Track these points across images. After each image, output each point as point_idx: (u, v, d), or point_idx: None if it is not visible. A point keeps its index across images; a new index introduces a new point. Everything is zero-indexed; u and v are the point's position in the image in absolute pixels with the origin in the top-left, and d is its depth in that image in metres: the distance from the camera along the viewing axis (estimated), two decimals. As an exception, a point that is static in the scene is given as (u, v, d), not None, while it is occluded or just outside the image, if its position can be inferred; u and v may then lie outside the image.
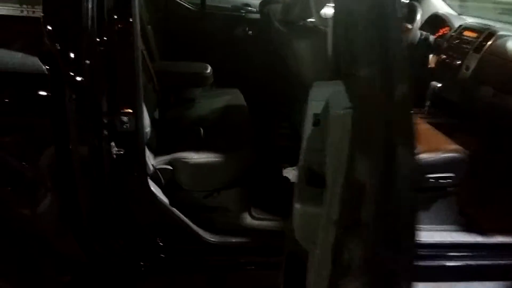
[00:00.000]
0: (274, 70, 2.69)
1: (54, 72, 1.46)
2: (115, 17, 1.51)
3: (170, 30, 3.00)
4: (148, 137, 1.79)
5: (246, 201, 2.08)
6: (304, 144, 1.31)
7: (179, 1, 3.13)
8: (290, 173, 2.46)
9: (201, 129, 2.19)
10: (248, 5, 3.56)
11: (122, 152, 1.62)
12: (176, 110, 2.48)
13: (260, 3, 2.98)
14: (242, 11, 3.33)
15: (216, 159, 1.93)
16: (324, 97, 1.30)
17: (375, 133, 0.97)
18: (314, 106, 1.35)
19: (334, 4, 1.56)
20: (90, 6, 1.44)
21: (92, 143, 1.59)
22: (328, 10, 1.76)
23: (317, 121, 1.29)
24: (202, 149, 1.98)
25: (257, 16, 3.15)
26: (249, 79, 2.90)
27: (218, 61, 2.76)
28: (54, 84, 1.46)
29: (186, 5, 3.15)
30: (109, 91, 1.58)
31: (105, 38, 1.50)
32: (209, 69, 2.41)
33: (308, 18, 1.99)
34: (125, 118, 1.61)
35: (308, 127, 1.32)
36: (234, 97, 2.63)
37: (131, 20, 1.51)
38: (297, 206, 1.12)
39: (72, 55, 1.46)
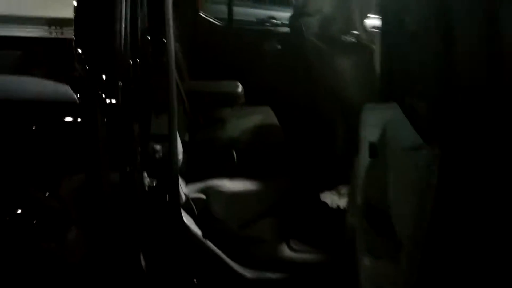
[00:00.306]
0: (308, 87, 2.55)
1: (85, 99, 1.35)
2: (149, 38, 1.40)
3: (198, 48, 2.88)
4: (180, 163, 1.67)
5: (284, 231, 1.93)
6: (358, 176, 1.17)
7: (207, 17, 3.02)
8: (328, 198, 2.32)
9: (234, 152, 2.06)
10: (273, 18, 3.46)
11: (155, 184, 1.50)
12: (206, 131, 2.35)
13: (291, 17, 2.85)
14: (268, 24, 3.21)
15: (252, 187, 1.80)
16: (380, 123, 1.17)
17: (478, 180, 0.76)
18: (369, 133, 1.21)
19: (382, 14, 1.42)
20: (123, 27, 1.32)
21: (123, 173, 1.47)
22: (372, 22, 1.63)
23: (374, 152, 1.15)
24: (236, 176, 1.85)
25: (286, 29, 3.03)
26: (281, 96, 2.77)
27: (247, 78, 2.64)
28: (85, 111, 1.35)
29: (214, 21, 3.04)
30: (142, 117, 1.47)
31: (138, 60, 1.38)
32: (240, 88, 2.28)
33: (350, 32, 1.85)
34: (158, 146, 1.49)
35: (364, 157, 1.17)
36: (266, 116, 2.50)
37: (165, 41, 1.39)
38: (365, 260, 0.96)
39: (104, 78, 1.35)
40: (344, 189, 2.30)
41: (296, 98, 2.69)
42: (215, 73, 2.69)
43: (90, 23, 1.31)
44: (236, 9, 3.12)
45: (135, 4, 1.35)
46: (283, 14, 3.90)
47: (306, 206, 2.10)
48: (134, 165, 1.46)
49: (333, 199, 2.27)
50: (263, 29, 3.13)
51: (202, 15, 2.99)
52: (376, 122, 1.20)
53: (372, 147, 1.15)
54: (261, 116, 2.49)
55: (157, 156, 1.50)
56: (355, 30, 1.82)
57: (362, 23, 1.56)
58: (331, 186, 2.32)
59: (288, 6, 3.97)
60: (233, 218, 1.84)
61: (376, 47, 1.49)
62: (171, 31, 1.37)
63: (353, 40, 1.85)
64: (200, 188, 1.80)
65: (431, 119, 0.89)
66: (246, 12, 3.68)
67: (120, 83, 1.37)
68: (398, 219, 0.89)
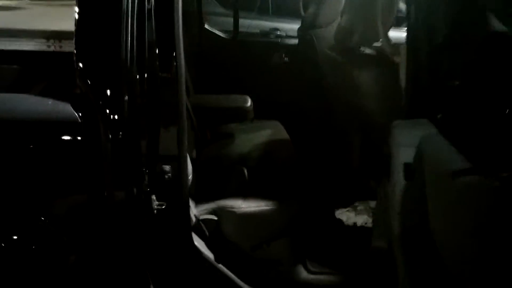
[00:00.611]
0: (319, 101, 2.46)
1: (88, 118, 1.26)
2: (157, 51, 1.31)
3: (203, 61, 2.80)
4: (190, 183, 1.57)
5: (300, 252, 1.83)
6: (392, 199, 1.06)
7: (212, 30, 2.95)
8: (344, 215, 2.21)
9: (245, 170, 1.96)
10: (277, 29, 3.40)
11: (164, 207, 1.40)
12: (214, 147, 2.26)
13: (300, 29, 2.78)
14: (272, 36, 3.14)
15: (265, 207, 1.69)
16: (414, 142, 1.07)
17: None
18: (402, 153, 1.11)
19: (409, 24, 1.33)
20: (128, 39, 1.23)
21: (130, 195, 1.37)
22: (396, 34, 1.54)
23: (410, 174, 1.05)
24: (248, 195, 1.75)
25: (293, 41, 2.96)
26: (290, 110, 2.67)
27: (255, 91, 2.55)
28: (87, 131, 1.26)
29: (219, 33, 2.96)
30: (149, 136, 1.37)
31: (145, 75, 1.30)
32: (249, 102, 2.19)
33: (371, 44, 1.75)
34: (167, 167, 1.40)
35: (398, 179, 1.07)
36: (275, 130, 2.40)
37: (174, 54, 1.31)
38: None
39: (108, 95, 1.26)
40: (360, 206, 2.20)
41: (307, 112, 2.60)
42: (221, 87, 2.60)
43: (93, 35, 1.23)
44: (242, 21, 3.05)
45: (142, 16, 1.27)
46: (288, 26, 3.86)
47: (323, 225, 1.99)
48: (141, 187, 1.37)
49: (349, 216, 2.17)
50: (270, 41, 3.05)
51: (207, 28, 2.92)
52: (409, 141, 1.10)
53: (408, 169, 1.06)
54: (271, 131, 2.39)
55: (166, 177, 1.40)
56: (376, 42, 1.73)
57: (385, 34, 1.47)
58: (347, 203, 2.21)
59: (295, 17, 3.92)
60: (247, 240, 1.73)
61: (401, 60, 1.40)
62: (181, 44, 1.28)
63: (374, 52, 1.75)
64: (211, 208, 1.70)
65: (480, 141, 0.79)
66: (251, 25, 3.62)
67: (126, 99, 1.29)
68: (446, 250, 0.79)
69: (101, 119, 1.28)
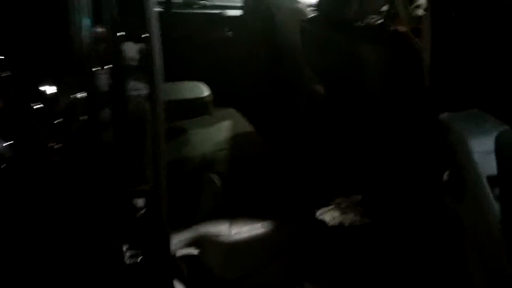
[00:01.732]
0: (283, 83, 2.12)
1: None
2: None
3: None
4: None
5: (296, 274, 1.52)
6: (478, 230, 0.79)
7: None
8: (328, 215, 1.93)
9: (216, 178, 1.59)
10: None
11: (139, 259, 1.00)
12: (168, 149, 1.83)
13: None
14: (196, 5, 2.66)
15: (260, 229, 1.36)
16: (489, 145, 0.79)
17: None
18: (481, 162, 0.83)
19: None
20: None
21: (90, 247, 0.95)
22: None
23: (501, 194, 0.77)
24: (226, 213, 1.40)
25: (236, 12, 2.56)
26: (245, 96, 2.30)
27: (196, 74, 2.15)
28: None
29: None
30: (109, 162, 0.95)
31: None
32: (207, 91, 1.77)
33: (372, 15, 1.41)
34: (140, 202, 0.99)
35: (481, 198, 0.79)
36: (235, 121, 2.02)
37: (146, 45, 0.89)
38: None
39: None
40: (343, 203, 1.92)
41: (262, 98, 2.25)
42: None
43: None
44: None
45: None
46: None
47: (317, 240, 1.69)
48: (103, 234, 0.96)
49: (333, 215, 1.89)
50: (209, 13, 2.61)
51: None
52: (483, 145, 0.82)
53: (492, 183, 0.78)
54: (229, 121, 2.01)
55: (138, 215, 1.00)
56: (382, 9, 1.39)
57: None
58: (327, 200, 1.92)
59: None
60: (235, 271, 1.38)
61: (426, 36, 1.10)
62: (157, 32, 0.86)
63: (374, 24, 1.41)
64: (189, 238, 1.32)
65: None
66: None
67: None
68: None
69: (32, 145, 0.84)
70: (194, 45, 2.49)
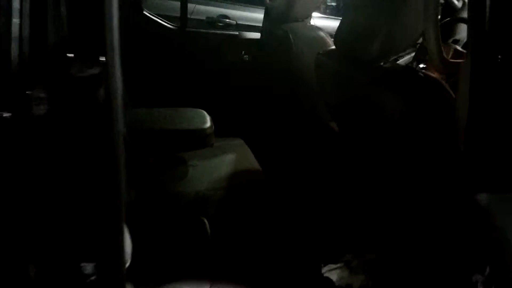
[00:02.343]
0: (297, 114, 1.92)
1: None
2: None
3: (141, 58, 2.13)
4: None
5: None
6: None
7: (153, 16, 2.28)
8: (334, 274, 1.69)
9: (206, 222, 1.38)
10: (226, 17, 2.99)
11: None
12: (158, 179, 1.63)
13: (266, 20, 2.23)
14: (220, 24, 2.79)
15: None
16: None
17: None
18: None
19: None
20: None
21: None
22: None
23: None
24: (209, 271, 1.18)
25: (253, 35, 2.39)
26: (255, 126, 2.11)
27: (208, 98, 1.98)
28: None
29: (163, 22, 2.30)
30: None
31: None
32: (209, 122, 1.57)
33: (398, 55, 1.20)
34: (88, 267, 0.79)
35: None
36: (239, 155, 1.83)
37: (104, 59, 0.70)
38: None
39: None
40: (355, 261, 1.68)
41: (275, 131, 2.05)
42: (165, 92, 1.98)
43: None
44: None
45: None
46: (239, 13, 3.35)
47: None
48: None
49: (341, 275, 1.65)
50: (226, 34, 2.46)
51: (147, 13, 2.25)
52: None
53: None
54: (234, 154, 1.82)
55: (87, 281, 0.79)
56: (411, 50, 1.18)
57: (435, 35, 0.93)
58: (336, 256, 1.69)
59: (249, 3, 3.43)
60: None
61: (462, 88, 0.88)
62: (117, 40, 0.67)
63: (409, 69, 1.17)
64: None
65: None
66: (195, 10, 3.05)
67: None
68: None
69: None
70: (206, 66, 2.33)
